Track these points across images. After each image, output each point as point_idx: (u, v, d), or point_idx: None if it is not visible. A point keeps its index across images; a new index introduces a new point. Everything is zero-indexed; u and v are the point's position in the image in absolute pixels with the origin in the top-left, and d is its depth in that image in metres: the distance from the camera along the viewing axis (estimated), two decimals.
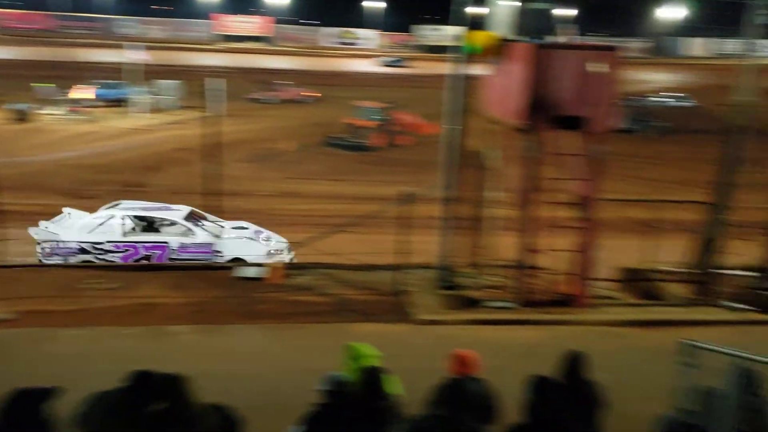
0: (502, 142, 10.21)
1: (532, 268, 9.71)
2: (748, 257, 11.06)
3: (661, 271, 10.99)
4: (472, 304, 9.84)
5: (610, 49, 9.52)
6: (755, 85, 9.84)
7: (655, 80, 64.27)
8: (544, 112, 8.85)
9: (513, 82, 9.27)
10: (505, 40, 9.55)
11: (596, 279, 10.09)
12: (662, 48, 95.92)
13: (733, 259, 11.19)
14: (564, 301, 9.72)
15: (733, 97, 9.96)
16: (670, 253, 11.52)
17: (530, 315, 9.46)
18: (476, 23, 10.24)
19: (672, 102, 42.44)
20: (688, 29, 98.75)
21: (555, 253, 9.64)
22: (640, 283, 10.92)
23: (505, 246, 10.97)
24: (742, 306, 9.79)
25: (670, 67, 79.92)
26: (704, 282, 10.22)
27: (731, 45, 62.47)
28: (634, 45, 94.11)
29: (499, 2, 9.99)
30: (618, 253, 11.18)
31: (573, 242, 9.54)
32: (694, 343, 5.60)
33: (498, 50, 9.63)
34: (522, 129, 9.13)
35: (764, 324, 9.49)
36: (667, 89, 53.06)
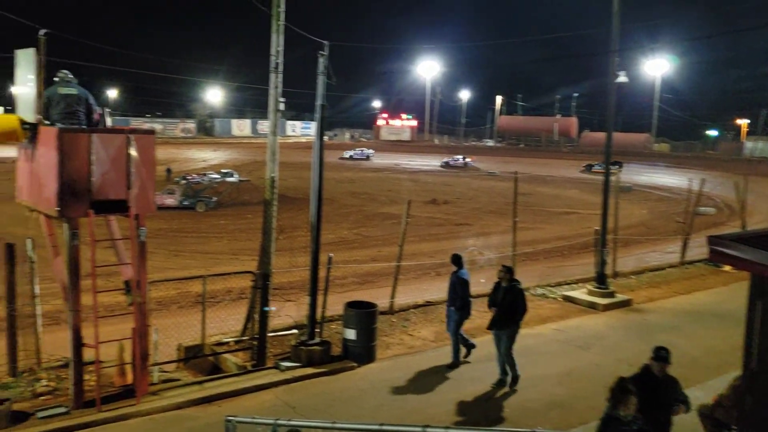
0: (44, 230, 9.36)
1: (85, 363, 8.92)
2: (298, 316, 12.09)
3: (220, 344, 11.25)
4: (21, 418, 8.54)
5: (148, 132, 9.66)
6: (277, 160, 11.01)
7: (205, 158, 67.86)
8: (78, 198, 8.39)
9: (43, 168, 8.62)
10: (31, 125, 8.84)
11: (156, 363, 9.81)
12: (208, 128, 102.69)
13: (284, 320, 12.13)
14: (124, 394, 9.18)
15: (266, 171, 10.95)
16: (235, 323, 11.92)
17: (86, 417, 8.60)
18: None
19: (218, 178, 45.07)
20: (230, 111, 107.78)
21: (115, 343, 9.12)
22: (201, 359, 10.99)
23: (55, 343, 10.07)
24: (290, 364, 10.56)
25: (216, 145, 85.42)
26: (256, 347, 10.76)
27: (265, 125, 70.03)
28: (181, 126, 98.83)
29: (19, 88, 9.26)
30: (182, 330, 11.14)
31: (127, 329, 9.12)
32: (236, 418, 5.92)
33: (24, 134, 8.87)
34: (57, 216, 8.48)
35: (311, 377, 10.30)
36: (214, 166, 56.74)
